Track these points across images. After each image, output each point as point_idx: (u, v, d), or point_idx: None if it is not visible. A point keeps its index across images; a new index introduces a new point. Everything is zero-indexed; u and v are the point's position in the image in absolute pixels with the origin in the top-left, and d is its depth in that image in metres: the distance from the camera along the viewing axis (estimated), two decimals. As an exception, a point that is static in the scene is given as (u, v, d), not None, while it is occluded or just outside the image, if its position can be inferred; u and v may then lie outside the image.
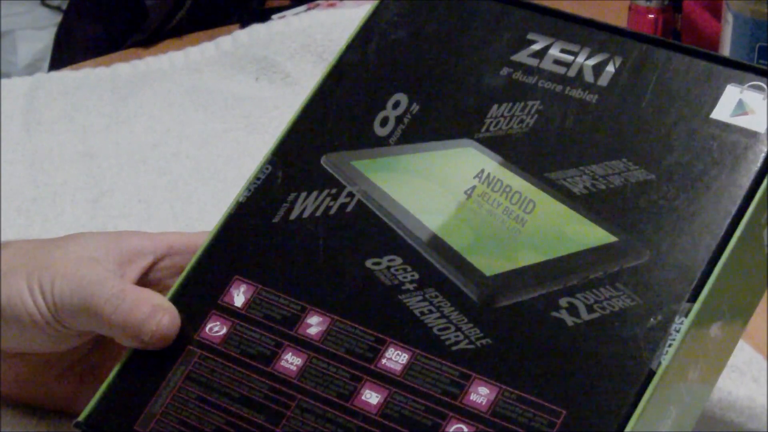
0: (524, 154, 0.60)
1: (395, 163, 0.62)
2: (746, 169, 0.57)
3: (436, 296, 0.58)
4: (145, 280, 0.65)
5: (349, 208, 0.61)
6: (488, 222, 0.59)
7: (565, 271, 0.57)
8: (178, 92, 1.03)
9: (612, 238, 0.57)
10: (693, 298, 0.55)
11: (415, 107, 0.63)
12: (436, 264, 0.59)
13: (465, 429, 0.55)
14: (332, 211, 0.61)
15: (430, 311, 0.57)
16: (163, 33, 1.21)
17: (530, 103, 0.62)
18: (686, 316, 0.54)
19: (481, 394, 0.55)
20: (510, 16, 0.64)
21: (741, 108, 0.59)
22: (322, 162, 0.63)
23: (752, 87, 0.59)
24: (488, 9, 0.65)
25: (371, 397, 0.56)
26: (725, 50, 0.94)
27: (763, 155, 0.57)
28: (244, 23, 1.18)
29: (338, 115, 0.64)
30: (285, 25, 1.08)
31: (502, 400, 0.55)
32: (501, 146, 0.61)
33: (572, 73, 0.62)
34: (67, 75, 1.07)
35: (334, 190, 0.62)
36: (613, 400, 0.53)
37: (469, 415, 0.55)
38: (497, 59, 0.63)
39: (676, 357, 0.54)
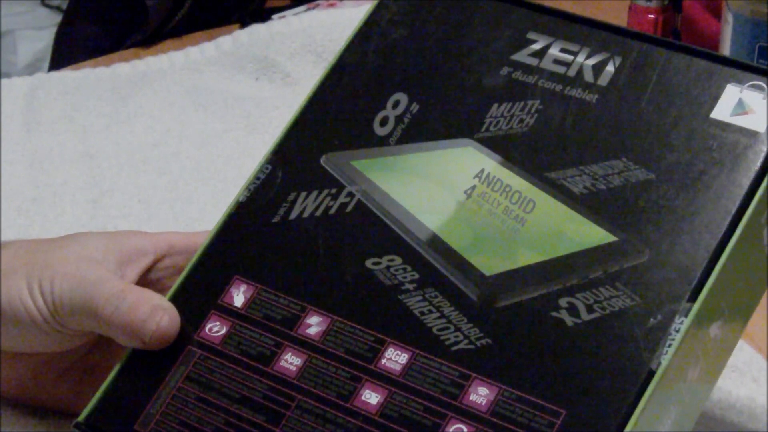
0: (524, 154, 0.60)
1: (395, 162, 0.62)
2: (746, 168, 0.57)
3: (436, 296, 0.58)
4: (145, 280, 0.65)
5: (348, 208, 0.61)
6: (488, 221, 0.59)
7: (565, 270, 0.57)
8: (178, 92, 1.03)
9: (612, 238, 0.57)
10: (693, 298, 0.55)
11: (415, 107, 0.63)
12: (436, 264, 0.59)
13: (464, 429, 0.55)
14: (332, 211, 0.61)
15: (430, 311, 0.57)
16: (163, 33, 1.21)
17: (530, 102, 0.62)
18: (686, 315, 0.54)
19: (480, 394, 0.55)
20: (510, 15, 0.64)
21: (741, 107, 0.59)
22: (321, 162, 0.63)
23: (752, 87, 0.59)
24: (488, 8, 0.65)
25: (371, 397, 0.56)
26: (725, 50, 0.94)
27: (763, 155, 0.57)
28: (244, 23, 1.18)
29: (338, 115, 0.64)
30: (285, 25, 1.08)
31: (501, 400, 0.55)
32: (501, 146, 0.61)
33: (572, 72, 0.62)
34: (67, 75, 1.07)
35: (334, 190, 0.62)
36: (613, 400, 0.53)
37: (468, 415, 0.55)
38: (497, 59, 0.63)
39: (676, 357, 0.54)
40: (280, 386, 0.58)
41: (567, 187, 0.59)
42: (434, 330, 0.57)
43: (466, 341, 0.56)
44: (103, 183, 0.91)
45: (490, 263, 0.58)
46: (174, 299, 0.62)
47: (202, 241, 0.63)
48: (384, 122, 0.63)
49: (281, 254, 0.61)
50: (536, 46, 0.63)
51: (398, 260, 0.59)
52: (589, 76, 0.61)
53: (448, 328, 0.57)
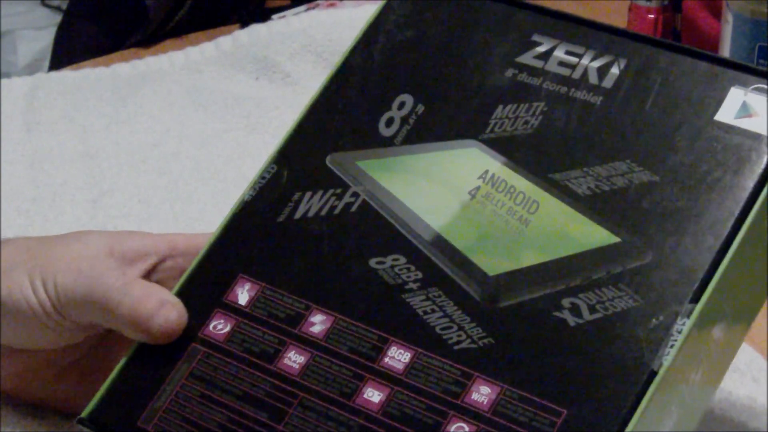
0: (528, 155, 0.61)
1: (400, 163, 0.63)
2: (750, 170, 0.57)
3: (439, 295, 0.58)
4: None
5: (353, 208, 0.61)
6: (492, 222, 0.59)
7: (568, 271, 0.57)
8: (178, 92, 1.03)
9: (615, 239, 0.57)
10: (695, 300, 0.55)
11: (420, 108, 0.63)
12: (440, 263, 0.59)
13: (466, 428, 0.55)
14: (337, 211, 0.62)
15: (433, 310, 0.57)
16: (163, 33, 1.21)
17: (535, 104, 0.62)
18: (688, 317, 0.54)
19: (482, 393, 0.55)
20: (515, 17, 0.64)
21: (745, 110, 0.59)
22: (327, 162, 0.63)
23: (756, 89, 0.59)
24: (493, 10, 0.65)
25: (373, 395, 0.57)
26: (725, 50, 0.94)
27: (766, 157, 0.57)
28: (244, 23, 1.18)
29: (344, 116, 0.65)
30: (285, 25, 1.08)
31: (503, 399, 0.55)
32: (505, 147, 0.61)
33: (577, 74, 0.62)
34: (67, 75, 1.07)
35: (339, 190, 0.62)
36: (615, 401, 0.53)
37: (470, 413, 0.55)
38: (502, 60, 0.63)
39: (678, 358, 0.54)
40: (283, 384, 0.58)
41: (571, 188, 0.59)
42: (437, 329, 0.57)
43: (468, 340, 0.56)
44: (103, 183, 0.91)
45: (493, 263, 0.58)
46: (179, 296, 0.62)
47: (204, 243, 0.64)
48: (389, 123, 0.64)
49: (286, 253, 0.61)
50: (541, 49, 0.63)
51: (402, 260, 0.59)
52: (594, 79, 0.62)
53: (451, 327, 0.57)
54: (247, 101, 1.02)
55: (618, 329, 0.55)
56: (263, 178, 0.64)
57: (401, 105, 0.64)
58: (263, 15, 1.19)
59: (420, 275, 0.59)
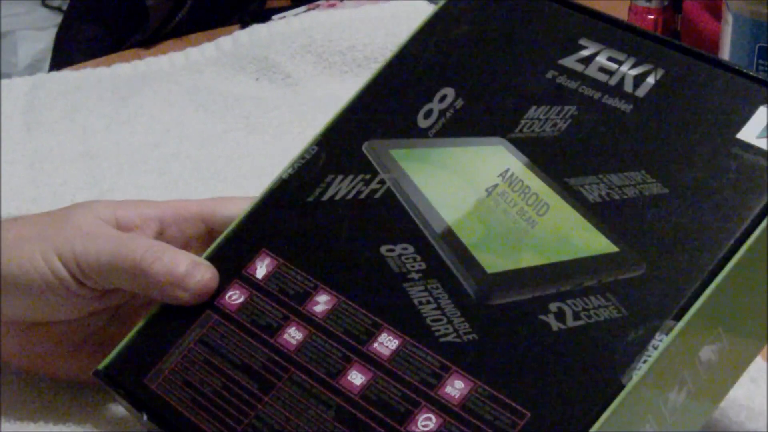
0: (549, 158, 0.61)
1: (429, 154, 0.63)
2: (759, 192, 0.56)
3: (437, 288, 0.58)
4: None
5: (377, 195, 0.63)
6: (501, 220, 0.60)
7: (562, 276, 0.57)
8: (179, 92, 1.03)
9: (613, 248, 0.57)
10: (678, 317, 0.54)
11: (460, 102, 0.64)
12: (444, 256, 0.59)
13: (433, 419, 0.55)
14: (362, 196, 0.63)
15: (428, 302, 0.58)
16: (164, 33, 1.21)
17: (566, 108, 0.62)
18: (667, 333, 0.53)
19: (455, 388, 0.56)
20: (567, 19, 0.64)
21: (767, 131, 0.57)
22: (363, 148, 0.65)
23: None
24: (548, 11, 0.65)
25: (356, 378, 0.58)
26: (725, 51, 0.94)
27: None
28: (244, 24, 1.18)
29: (388, 104, 0.66)
30: (285, 25, 1.08)
31: (473, 395, 0.55)
32: (530, 148, 0.61)
33: (613, 81, 0.62)
34: (67, 75, 1.07)
35: (368, 176, 0.63)
36: (577, 409, 0.53)
37: (440, 406, 0.56)
38: (545, 62, 0.64)
39: (650, 374, 0.53)
40: (278, 358, 0.60)
41: (583, 194, 0.59)
42: (428, 320, 0.58)
43: (454, 334, 0.57)
44: (103, 183, 0.92)
45: (494, 261, 0.58)
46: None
47: (208, 209, 0.66)
48: (428, 114, 0.64)
49: (307, 232, 0.63)
50: (585, 53, 0.63)
51: (411, 249, 0.60)
52: (628, 86, 0.61)
53: (441, 320, 0.57)
54: (247, 101, 1.02)
55: (596, 338, 0.54)
56: (303, 158, 0.66)
57: (443, 98, 0.65)
58: (263, 15, 1.19)
59: (423, 266, 0.59)
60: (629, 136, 0.60)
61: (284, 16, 1.14)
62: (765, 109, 0.58)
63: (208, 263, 0.63)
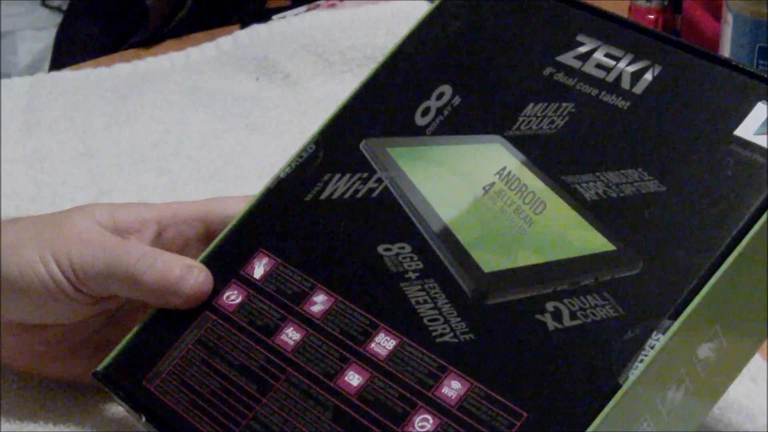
0: (546, 155, 0.60)
1: (427, 152, 0.63)
2: (757, 189, 0.55)
3: (434, 287, 0.58)
4: None
5: (375, 194, 0.63)
6: (498, 219, 0.60)
7: (559, 275, 0.57)
8: (179, 92, 1.03)
9: (610, 247, 0.57)
10: (675, 316, 0.54)
11: (457, 99, 0.64)
12: (441, 255, 0.59)
13: (430, 419, 0.55)
14: (359, 195, 0.63)
15: (425, 301, 0.58)
16: (164, 33, 1.21)
17: (564, 104, 0.62)
18: (664, 333, 0.53)
19: (452, 388, 0.56)
20: (564, 15, 0.64)
21: (765, 127, 0.57)
22: (360, 146, 0.65)
23: None
24: (545, 7, 0.65)
25: (353, 378, 0.58)
26: (725, 51, 0.94)
27: None
28: (244, 23, 1.18)
29: (385, 101, 0.66)
30: (285, 25, 1.08)
31: (470, 396, 0.55)
32: (527, 145, 0.61)
33: (611, 78, 0.61)
34: (67, 75, 1.07)
35: (365, 175, 0.63)
36: (575, 409, 0.53)
37: (437, 407, 0.56)
38: (543, 58, 0.63)
39: (647, 373, 0.53)
40: (276, 359, 0.60)
41: (580, 191, 0.59)
42: (425, 320, 0.58)
43: (451, 334, 0.57)
44: (103, 183, 0.92)
45: (491, 260, 0.58)
46: (203, 263, 0.64)
47: (206, 210, 0.66)
48: (425, 112, 0.64)
49: (304, 232, 0.63)
50: (582, 49, 0.63)
51: (408, 248, 0.60)
52: (626, 83, 0.61)
53: (437, 319, 0.57)
54: (247, 101, 1.02)
55: (593, 338, 0.54)
56: (301, 156, 0.66)
57: (440, 95, 0.64)
58: (263, 15, 1.19)
59: (420, 265, 0.59)
60: (626, 134, 0.59)
61: (284, 16, 1.14)
62: (763, 105, 0.58)
63: (201, 266, 0.63)
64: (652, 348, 0.53)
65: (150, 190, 0.91)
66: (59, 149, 0.96)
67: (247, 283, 0.63)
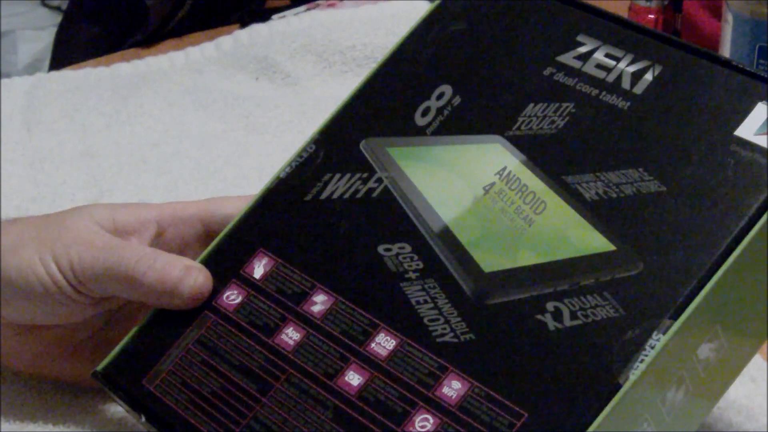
0: (547, 155, 0.60)
1: (427, 153, 0.63)
2: (757, 189, 0.55)
3: (434, 287, 0.58)
4: None
5: (375, 194, 0.63)
6: (498, 219, 0.59)
7: (559, 275, 0.57)
8: (178, 92, 1.03)
9: (610, 247, 0.57)
10: (675, 316, 0.53)
11: (457, 99, 0.64)
12: (441, 255, 0.59)
13: (430, 419, 0.55)
14: (359, 195, 0.63)
15: (426, 301, 0.58)
16: (164, 33, 1.21)
17: (564, 105, 0.61)
18: (664, 333, 0.53)
19: (453, 388, 0.56)
20: (565, 15, 0.64)
21: (766, 127, 0.57)
22: (360, 146, 0.65)
23: None
24: (546, 7, 0.65)
25: (354, 378, 0.58)
26: (725, 50, 0.94)
27: None
28: (244, 23, 1.18)
29: (385, 102, 0.66)
30: (285, 25, 1.08)
31: (470, 396, 0.55)
32: (527, 145, 0.61)
33: (611, 78, 0.61)
34: (67, 75, 1.07)
35: (365, 175, 0.63)
36: (575, 410, 0.53)
37: (437, 407, 0.56)
38: (543, 59, 0.63)
39: (648, 373, 0.53)
40: (276, 358, 0.60)
41: (580, 192, 0.59)
42: (425, 320, 0.58)
43: (451, 334, 0.57)
44: (103, 183, 0.92)
45: (491, 260, 0.58)
46: (202, 264, 0.64)
47: (206, 210, 0.66)
48: (426, 112, 0.64)
49: (304, 232, 0.63)
50: (583, 49, 0.63)
51: (408, 248, 0.60)
52: (626, 83, 0.61)
53: (438, 319, 0.57)
54: (247, 101, 1.02)
55: (593, 338, 0.54)
56: (301, 156, 0.66)
57: (440, 95, 0.64)
58: (263, 15, 1.19)
59: (421, 265, 0.59)
60: (627, 134, 0.59)
61: (284, 16, 1.14)
62: (763, 105, 0.57)
63: (201, 267, 0.63)
64: (652, 348, 0.53)
65: (150, 190, 0.91)
66: (59, 149, 0.96)
67: (247, 283, 0.63)
